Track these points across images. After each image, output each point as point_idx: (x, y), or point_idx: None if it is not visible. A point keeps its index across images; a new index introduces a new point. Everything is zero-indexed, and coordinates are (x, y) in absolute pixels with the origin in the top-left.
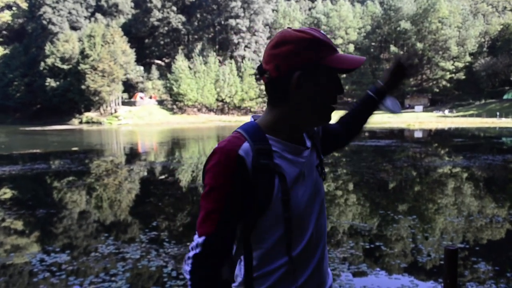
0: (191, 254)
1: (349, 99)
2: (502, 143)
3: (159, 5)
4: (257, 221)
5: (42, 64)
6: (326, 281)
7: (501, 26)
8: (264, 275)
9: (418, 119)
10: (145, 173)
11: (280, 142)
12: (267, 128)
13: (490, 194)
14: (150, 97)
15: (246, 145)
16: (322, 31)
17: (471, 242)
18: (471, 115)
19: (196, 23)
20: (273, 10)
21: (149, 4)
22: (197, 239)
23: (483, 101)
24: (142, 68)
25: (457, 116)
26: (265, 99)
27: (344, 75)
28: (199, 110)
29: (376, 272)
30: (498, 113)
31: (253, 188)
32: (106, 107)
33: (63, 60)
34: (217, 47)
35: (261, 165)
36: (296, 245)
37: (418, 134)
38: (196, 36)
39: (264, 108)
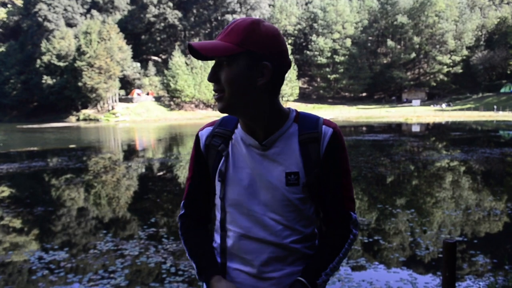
0: (178, 215)
1: (346, 93)
2: (500, 137)
3: (155, 1)
4: (214, 197)
5: (38, 61)
6: None
7: (498, 20)
8: (216, 248)
9: (416, 113)
10: (143, 170)
11: (241, 132)
12: None
13: (488, 187)
14: (147, 94)
15: (208, 128)
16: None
17: (469, 235)
18: (468, 109)
19: (192, 19)
20: (269, 5)
21: (145, 0)
22: (182, 202)
23: (480, 95)
24: (139, 64)
25: (455, 109)
26: None
27: (342, 70)
28: (196, 106)
29: (375, 266)
30: (495, 107)
31: (207, 163)
32: (103, 104)
33: (59, 57)
34: None
35: (211, 145)
36: (231, 233)
37: (416, 128)
38: (192, 32)
39: None
